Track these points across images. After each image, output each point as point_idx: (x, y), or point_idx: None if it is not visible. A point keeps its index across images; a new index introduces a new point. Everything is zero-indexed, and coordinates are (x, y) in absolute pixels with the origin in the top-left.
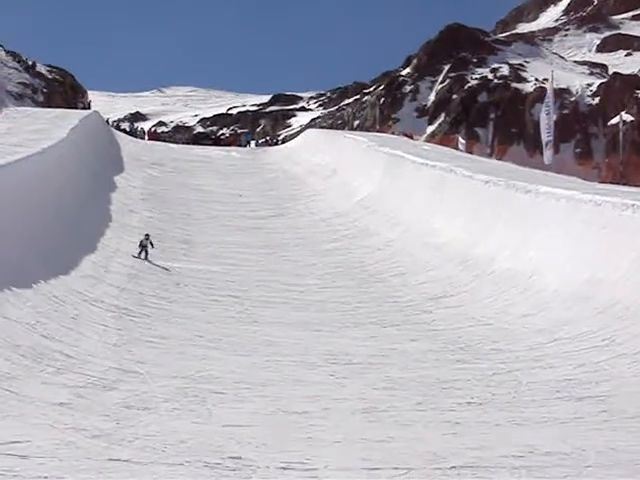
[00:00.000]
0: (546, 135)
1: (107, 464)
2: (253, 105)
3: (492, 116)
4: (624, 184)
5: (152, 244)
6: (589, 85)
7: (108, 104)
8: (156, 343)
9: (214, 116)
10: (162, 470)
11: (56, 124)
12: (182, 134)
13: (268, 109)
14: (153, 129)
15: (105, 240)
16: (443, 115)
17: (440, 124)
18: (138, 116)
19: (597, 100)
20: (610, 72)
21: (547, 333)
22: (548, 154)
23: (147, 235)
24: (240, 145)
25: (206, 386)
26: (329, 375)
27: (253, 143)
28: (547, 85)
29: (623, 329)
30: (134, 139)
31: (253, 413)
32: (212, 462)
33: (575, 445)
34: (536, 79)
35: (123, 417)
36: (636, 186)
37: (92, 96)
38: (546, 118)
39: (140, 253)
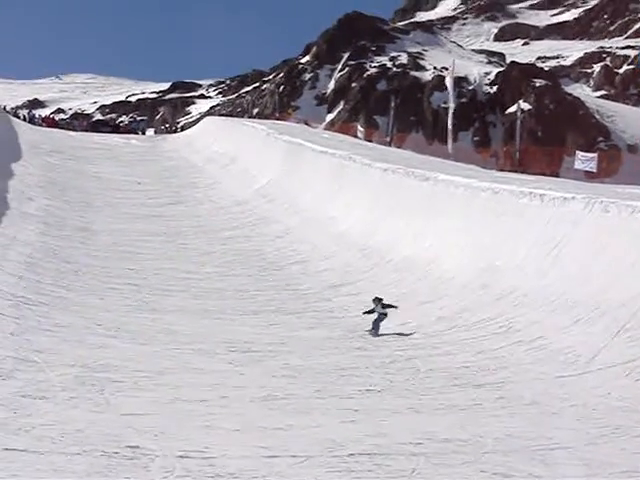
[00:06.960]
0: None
1: (3, 454)
2: (152, 92)
3: (392, 104)
4: (521, 172)
5: None
6: (487, 74)
7: (6, 91)
8: (54, 332)
9: (113, 103)
10: (59, 459)
11: None
12: (80, 121)
13: (167, 96)
14: (51, 116)
15: (1, 228)
16: (342, 103)
17: (339, 112)
18: (36, 103)
19: (495, 89)
20: (507, 61)
21: (445, 320)
22: (449, 142)
23: None
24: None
25: (104, 375)
26: (228, 363)
27: (151, 131)
28: (447, 74)
29: (520, 316)
30: (32, 126)
31: (151, 402)
32: (110, 451)
33: (473, 432)
34: (434, 67)
35: (20, 406)
36: (533, 174)
37: None
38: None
39: None
